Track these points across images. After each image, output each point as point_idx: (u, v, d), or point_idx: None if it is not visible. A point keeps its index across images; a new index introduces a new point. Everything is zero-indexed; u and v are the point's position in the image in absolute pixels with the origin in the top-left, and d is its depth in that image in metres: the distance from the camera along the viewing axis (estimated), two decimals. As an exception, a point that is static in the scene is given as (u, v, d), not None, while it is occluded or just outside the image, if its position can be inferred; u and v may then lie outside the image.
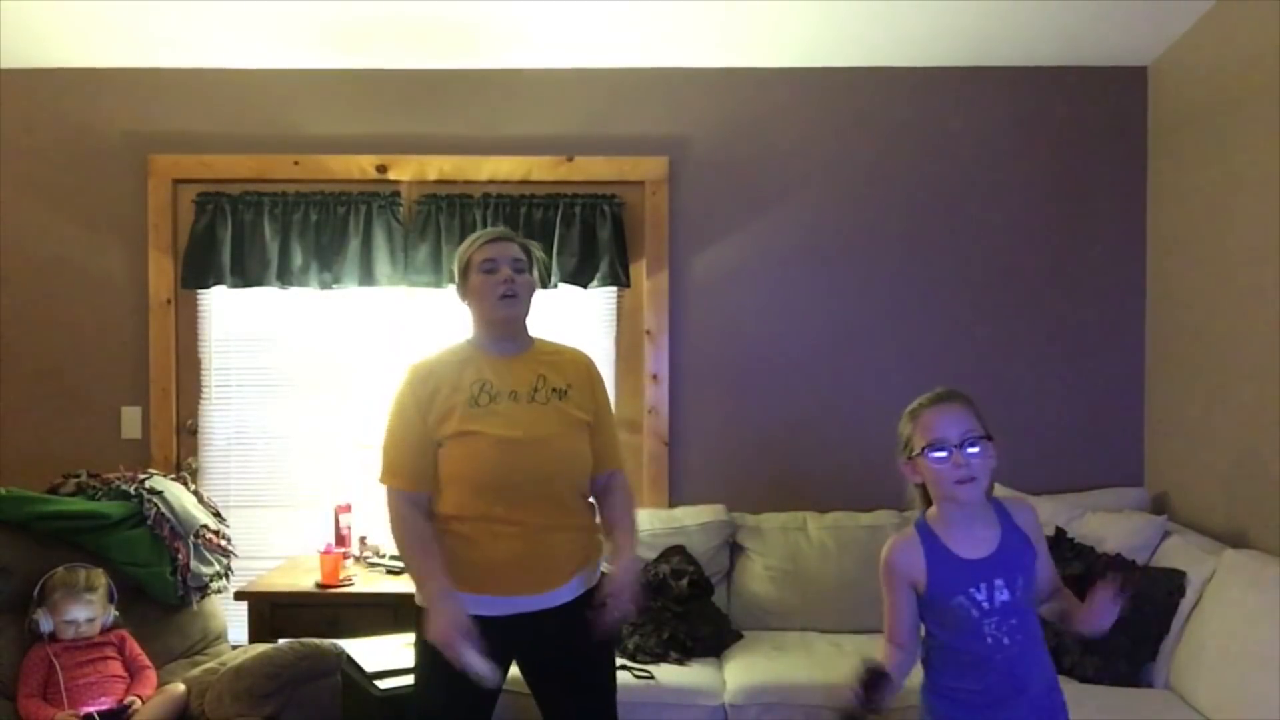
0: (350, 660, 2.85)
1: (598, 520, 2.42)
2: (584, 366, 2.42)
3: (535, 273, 2.39)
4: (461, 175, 3.77)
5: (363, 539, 3.65)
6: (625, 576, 2.25)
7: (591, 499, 2.41)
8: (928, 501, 2.04)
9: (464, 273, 2.35)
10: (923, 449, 1.95)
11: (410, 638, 2.44)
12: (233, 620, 3.36)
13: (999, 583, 1.95)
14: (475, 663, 2.10)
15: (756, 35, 3.51)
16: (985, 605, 1.95)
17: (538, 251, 2.44)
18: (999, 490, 1.97)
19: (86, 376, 3.81)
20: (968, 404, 1.99)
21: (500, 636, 2.21)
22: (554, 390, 2.31)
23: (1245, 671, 2.52)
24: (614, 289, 3.81)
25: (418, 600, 2.27)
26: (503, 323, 2.33)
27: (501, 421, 2.23)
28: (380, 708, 2.66)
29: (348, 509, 3.62)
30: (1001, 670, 1.97)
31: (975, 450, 1.94)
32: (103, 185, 3.81)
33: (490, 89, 3.79)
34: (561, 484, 2.28)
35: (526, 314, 2.37)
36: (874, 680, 1.83)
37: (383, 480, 2.30)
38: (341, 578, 3.34)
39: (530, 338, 2.40)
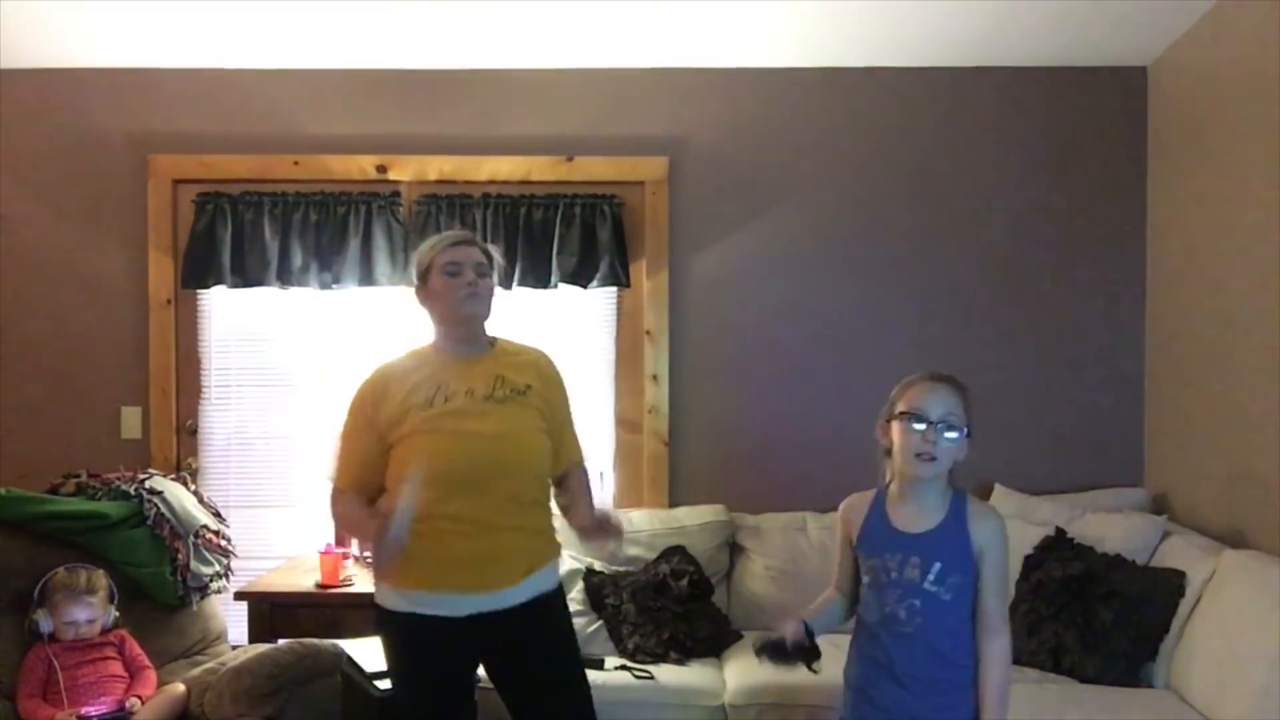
0: (350, 660, 2.85)
1: (555, 516, 2.44)
2: (544, 366, 2.43)
3: (495, 277, 2.39)
4: (461, 175, 3.77)
5: (363, 539, 3.65)
6: (598, 514, 2.35)
7: (552, 501, 2.43)
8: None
9: (424, 275, 2.35)
10: (900, 414, 2.02)
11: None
12: (233, 620, 3.36)
13: (914, 560, 2.00)
14: (405, 505, 2.08)
15: (756, 35, 3.51)
16: (894, 575, 2.01)
17: (498, 256, 2.45)
18: (1000, 494, 1.97)
19: (86, 376, 3.81)
20: (960, 393, 2.04)
21: (459, 638, 2.25)
22: (513, 389, 2.32)
23: (1245, 671, 2.52)
24: (614, 289, 3.81)
25: (377, 599, 2.31)
26: (466, 321, 2.33)
27: (457, 420, 2.24)
28: (380, 708, 2.67)
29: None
30: (883, 641, 2.01)
31: (952, 436, 1.99)
32: (103, 185, 3.81)
33: (490, 89, 3.79)
34: (517, 481, 2.28)
35: (487, 316, 2.37)
36: (775, 651, 1.99)
37: (330, 479, 2.37)
38: (341, 578, 3.35)
39: (490, 339, 2.41)
